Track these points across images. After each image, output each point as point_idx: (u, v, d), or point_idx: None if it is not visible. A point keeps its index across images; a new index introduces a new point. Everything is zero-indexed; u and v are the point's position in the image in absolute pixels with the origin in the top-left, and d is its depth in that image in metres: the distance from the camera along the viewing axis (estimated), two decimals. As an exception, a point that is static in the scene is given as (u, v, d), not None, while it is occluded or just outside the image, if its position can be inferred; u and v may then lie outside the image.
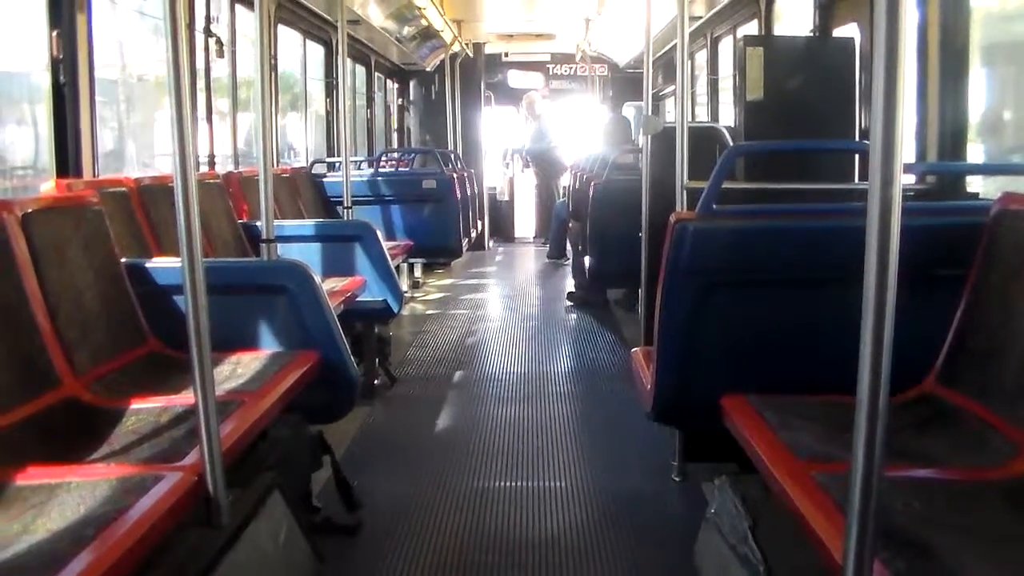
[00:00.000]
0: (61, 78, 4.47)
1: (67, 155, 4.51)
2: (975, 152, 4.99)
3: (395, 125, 14.94)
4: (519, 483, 4.51)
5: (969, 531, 2.14)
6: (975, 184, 4.57)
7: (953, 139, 4.43)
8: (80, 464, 2.69)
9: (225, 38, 6.90)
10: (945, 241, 3.20)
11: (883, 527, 1.80)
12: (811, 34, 6.54)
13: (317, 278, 4.01)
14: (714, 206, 3.34)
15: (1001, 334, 2.82)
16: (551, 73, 16.09)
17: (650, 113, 5.25)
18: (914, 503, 2.24)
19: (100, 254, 3.70)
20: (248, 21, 7.18)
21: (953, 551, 1.99)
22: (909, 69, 3.66)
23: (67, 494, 2.36)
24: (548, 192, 14.10)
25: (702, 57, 10.60)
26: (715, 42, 9.92)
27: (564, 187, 13.72)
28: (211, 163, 6.93)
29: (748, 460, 2.82)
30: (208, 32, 6.63)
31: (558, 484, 4.48)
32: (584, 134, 14.42)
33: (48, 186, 4.30)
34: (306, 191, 8.41)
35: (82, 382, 3.27)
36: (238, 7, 7.15)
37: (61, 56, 4.45)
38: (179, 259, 2.63)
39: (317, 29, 9.57)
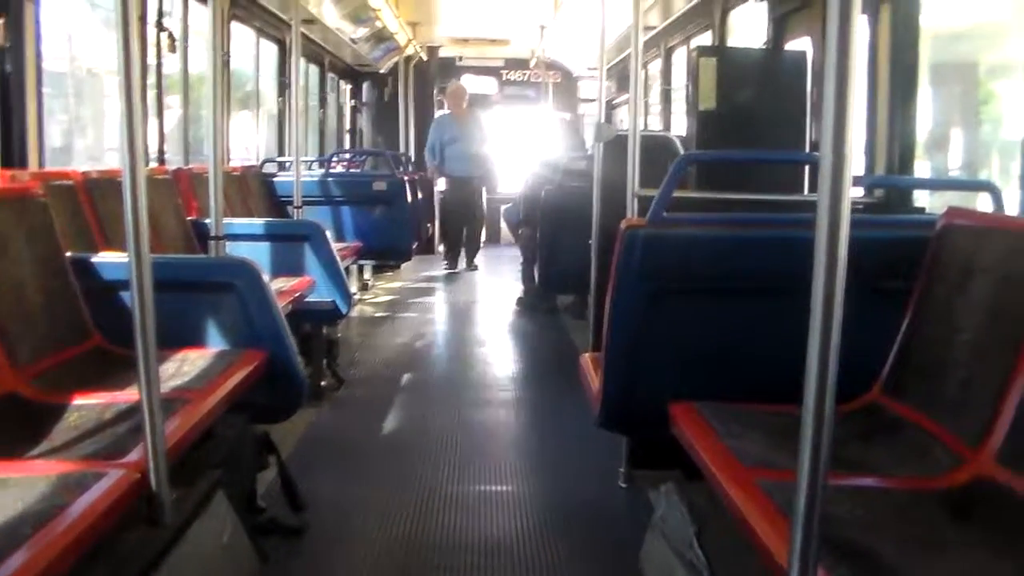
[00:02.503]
0: (7, 67, 4.40)
1: (11, 146, 4.43)
2: (922, 169, 5.08)
3: (347, 126, 14.87)
4: (466, 487, 4.50)
5: (912, 539, 2.17)
6: (922, 199, 4.65)
7: (901, 154, 4.51)
8: (19, 460, 2.64)
9: (178, 33, 6.82)
10: (892, 254, 3.24)
11: (827, 534, 1.82)
12: (764, 47, 6.61)
13: (265, 276, 3.97)
14: (664, 214, 3.36)
15: (944, 346, 2.86)
16: (504, 79, 16.12)
17: (603, 120, 5.28)
18: (858, 511, 2.26)
19: (44, 247, 3.64)
20: (201, 16, 7.11)
21: (895, 558, 2.02)
22: (859, 84, 3.72)
23: (4, 491, 2.31)
24: (475, 206, 12.45)
25: (656, 67, 10.68)
26: (669, 52, 10.01)
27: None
28: (160, 159, 6.85)
29: (694, 467, 2.84)
30: (160, 26, 6.55)
31: (504, 488, 4.48)
32: (526, 142, 14.30)
33: (-8, 177, 4.23)
34: (256, 190, 8.33)
35: (23, 377, 3.22)
36: (191, 2, 7.07)
37: (7, 45, 4.38)
38: (126, 254, 2.60)
39: (271, 27, 9.50)
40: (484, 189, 12.68)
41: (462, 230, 12.45)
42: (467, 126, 12.25)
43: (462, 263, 12.53)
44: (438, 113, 12.91)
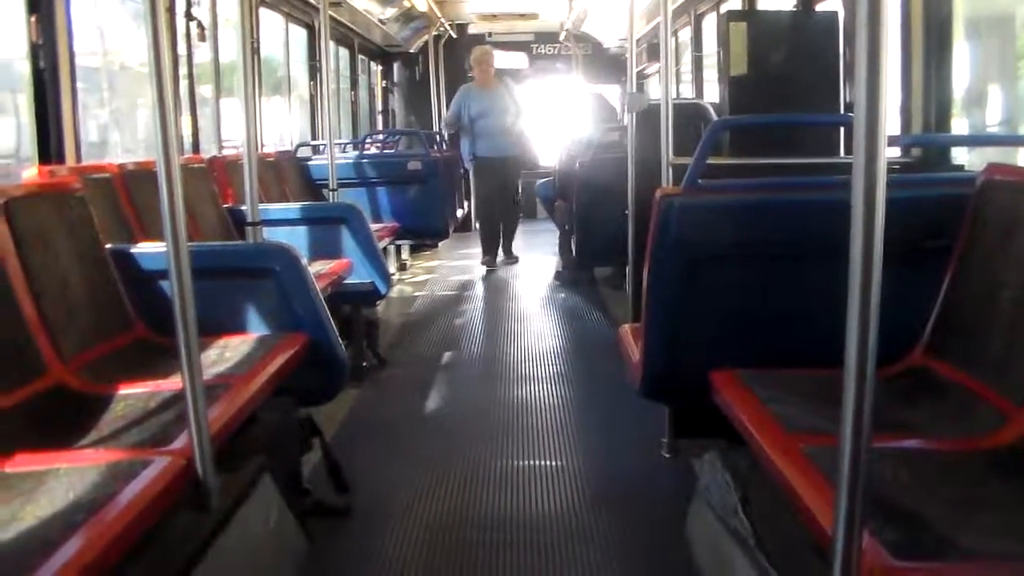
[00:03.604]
0: (41, 64, 4.43)
1: (49, 141, 4.48)
2: (960, 126, 5.01)
3: (379, 107, 14.89)
4: (509, 462, 4.51)
5: (958, 500, 2.16)
6: (960, 157, 4.59)
7: (938, 112, 4.44)
8: (69, 450, 2.68)
9: (207, 22, 6.85)
10: (931, 213, 3.20)
11: (872, 498, 1.81)
12: (794, 9, 6.53)
13: (303, 260, 3.99)
14: (699, 181, 3.34)
15: (987, 304, 2.83)
16: (535, 52, 16.04)
17: (634, 90, 5.26)
18: (903, 473, 2.25)
19: (84, 240, 3.68)
20: (230, 4, 7.14)
21: (942, 520, 2.00)
22: (892, 42, 3.66)
23: (56, 480, 2.35)
24: (510, 191, 10.67)
25: (686, 35, 10.59)
26: (699, 19, 9.91)
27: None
28: (195, 148, 6.91)
29: (737, 435, 2.83)
30: (189, 16, 6.58)
31: (548, 463, 4.49)
32: (559, 115, 14.10)
33: (30, 173, 4.28)
34: (291, 175, 8.38)
35: (69, 368, 3.26)
36: (219, -10, 7.10)
37: (41, 41, 4.42)
38: (164, 244, 2.62)
39: (299, 11, 9.51)
40: (520, 172, 10.93)
41: (498, 221, 10.71)
42: (497, 98, 10.43)
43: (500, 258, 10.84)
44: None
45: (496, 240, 10.75)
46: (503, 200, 10.57)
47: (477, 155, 10.45)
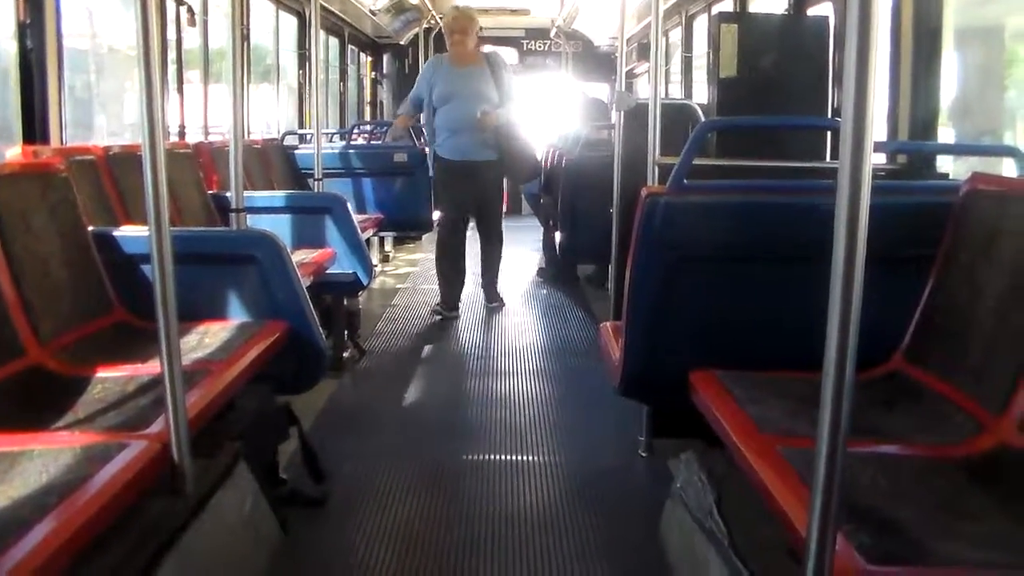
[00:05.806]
0: (28, 43, 4.41)
1: (34, 121, 4.45)
2: (946, 135, 5.03)
3: (368, 98, 14.85)
4: (487, 457, 4.51)
5: (932, 506, 2.17)
6: (945, 165, 4.61)
7: (924, 119, 4.47)
8: (44, 432, 2.67)
9: (197, 7, 6.82)
10: (914, 220, 3.22)
11: (847, 501, 1.82)
12: (785, 12, 6.55)
13: (286, 248, 3.98)
14: (685, 181, 3.34)
15: (967, 313, 2.84)
16: (525, 49, 16.03)
17: (623, 89, 5.26)
18: (878, 478, 2.26)
19: (67, 222, 3.66)
20: (220, -11, 7.12)
21: (916, 525, 2.01)
22: (882, 49, 3.67)
23: (30, 462, 2.34)
24: (489, 211, 7.72)
25: (676, 36, 10.60)
26: (690, 20, 9.92)
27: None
28: (181, 133, 6.88)
29: (715, 436, 2.84)
30: (180, 0, 6.55)
31: (526, 458, 4.49)
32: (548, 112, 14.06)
33: (14, 152, 4.25)
34: (277, 163, 8.35)
35: (48, 350, 3.25)
36: (210, -25, 7.07)
37: (28, 21, 4.39)
38: (147, 228, 2.61)
39: (290, -1, 9.50)
40: (501, 186, 7.90)
41: (462, 250, 7.70)
42: (473, 78, 7.41)
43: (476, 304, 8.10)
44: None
45: (456, 284, 7.72)
46: (480, 223, 7.83)
47: (438, 156, 7.56)
